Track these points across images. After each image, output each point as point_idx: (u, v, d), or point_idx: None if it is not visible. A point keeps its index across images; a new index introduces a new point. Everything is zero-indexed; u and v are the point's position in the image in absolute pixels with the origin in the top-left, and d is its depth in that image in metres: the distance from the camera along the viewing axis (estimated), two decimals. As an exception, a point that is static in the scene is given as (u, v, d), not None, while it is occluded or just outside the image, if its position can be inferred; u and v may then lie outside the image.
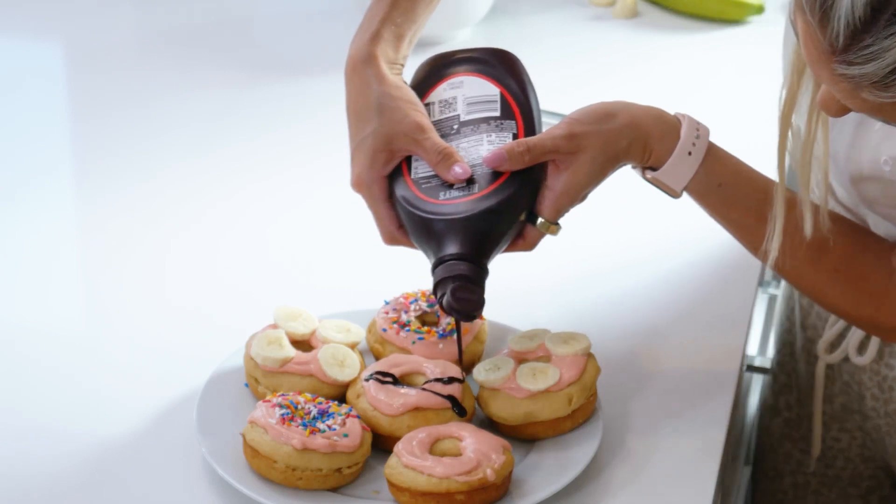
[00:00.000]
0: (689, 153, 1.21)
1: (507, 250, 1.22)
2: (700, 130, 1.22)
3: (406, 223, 1.22)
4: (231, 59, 1.93)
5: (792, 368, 1.51)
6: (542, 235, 1.22)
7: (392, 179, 1.23)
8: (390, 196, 1.23)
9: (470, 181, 1.21)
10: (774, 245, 1.19)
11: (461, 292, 1.16)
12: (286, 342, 1.26)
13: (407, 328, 1.29)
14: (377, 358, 1.30)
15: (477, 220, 1.19)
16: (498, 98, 1.28)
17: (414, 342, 1.28)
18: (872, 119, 1.21)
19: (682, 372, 1.35)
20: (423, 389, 1.22)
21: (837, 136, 1.25)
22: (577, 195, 1.21)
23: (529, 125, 1.26)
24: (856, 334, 1.40)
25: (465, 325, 1.30)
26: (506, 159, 1.20)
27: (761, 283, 1.59)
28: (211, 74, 1.89)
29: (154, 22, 2.05)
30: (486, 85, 1.29)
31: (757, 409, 1.61)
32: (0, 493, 1.19)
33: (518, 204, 1.20)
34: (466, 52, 1.32)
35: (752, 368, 1.76)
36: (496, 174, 1.21)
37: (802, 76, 1.14)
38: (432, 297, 1.32)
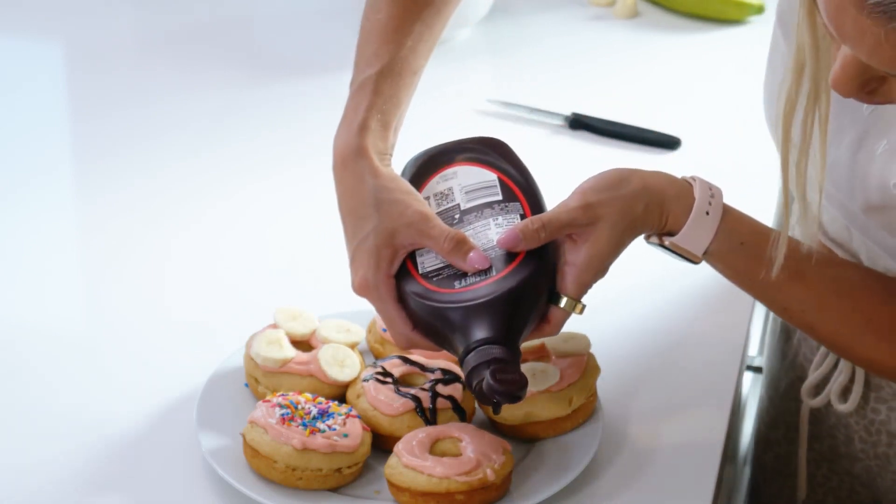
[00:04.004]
0: (707, 213, 1.17)
1: (531, 336, 1.17)
2: (713, 190, 1.19)
3: (424, 318, 1.16)
4: (231, 59, 1.93)
5: (780, 406, 1.50)
6: (567, 315, 1.17)
7: (398, 279, 1.17)
8: (399, 296, 1.17)
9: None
10: (780, 251, 1.15)
11: (501, 374, 1.10)
12: (286, 342, 1.26)
13: (407, 328, 1.29)
14: (377, 358, 1.30)
15: (502, 302, 1.13)
16: (496, 182, 1.23)
17: (414, 342, 1.28)
18: (871, 142, 1.20)
19: (682, 372, 1.35)
20: (424, 389, 1.22)
21: (834, 168, 1.22)
22: (600, 267, 1.17)
23: (535, 203, 1.21)
24: (838, 380, 1.36)
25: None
26: (521, 239, 1.15)
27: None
28: (211, 74, 1.89)
29: (154, 22, 2.05)
30: (481, 172, 1.24)
31: (755, 427, 1.60)
32: (0, 494, 1.19)
33: (540, 281, 1.16)
34: (452, 144, 1.26)
35: (752, 368, 1.76)
36: (511, 256, 1.16)
37: (801, 75, 1.12)
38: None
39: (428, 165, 1.25)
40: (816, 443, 1.44)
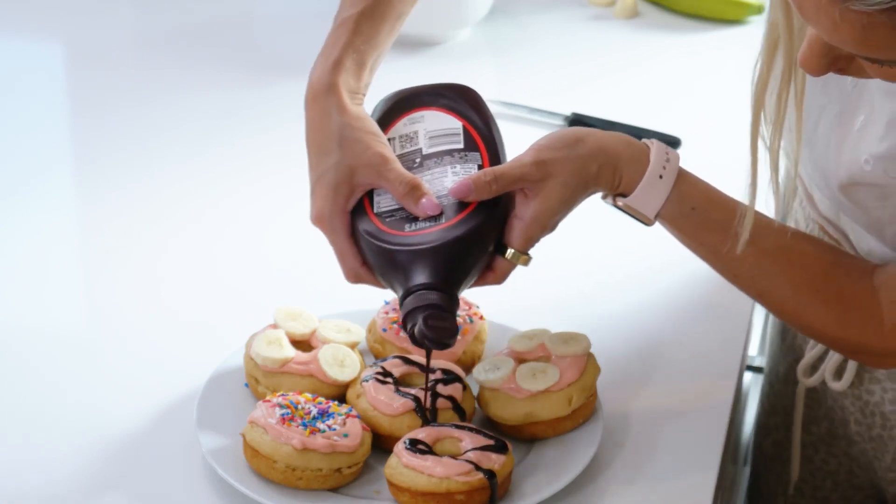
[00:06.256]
0: (660, 176, 1.19)
1: (475, 284, 1.20)
2: (669, 154, 1.20)
3: (371, 257, 1.19)
4: (231, 59, 1.93)
5: (779, 390, 1.50)
6: (512, 267, 1.20)
7: (353, 215, 1.21)
8: (353, 232, 1.20)
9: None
10: (746, 227, 1.17)
11: (433, 320, 1.13)
12: (286, 342, 1.26)
13: (407, 328, 1.29)
14: (377, 358, 1.30)
15: (446, 249, 1.16)
16: (461, 130, 1.26)
17: (414, 342, 1.28)
18: (850, 117, 1.20)
19: (682, 372, 1.35)
20: (423, 390, 1.22)
21: (815, 146, 1.23)
22: (547, 223, 1.18)
23: (494, 156, 1.24)
24: (833, 359, 1.37)
25: (465, 326, 1.30)
26: (472, 189, 1.17)
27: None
28: (211, 74, 1.89)
29: (154, 22, 2.05)
30: (447, 118, 1.26)
31: (755, 414, 1.61)
32: (1, 493, 1.19)
33: (487, 233, 1.18)
34: (426, 87, 1.29)
35: (752, 368, 1.76)
36: (463, 205, 1.18)
37: (774, 53, 1.13)
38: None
39: (398, 106, 1.28)
40: (814, 426, 1.45)
